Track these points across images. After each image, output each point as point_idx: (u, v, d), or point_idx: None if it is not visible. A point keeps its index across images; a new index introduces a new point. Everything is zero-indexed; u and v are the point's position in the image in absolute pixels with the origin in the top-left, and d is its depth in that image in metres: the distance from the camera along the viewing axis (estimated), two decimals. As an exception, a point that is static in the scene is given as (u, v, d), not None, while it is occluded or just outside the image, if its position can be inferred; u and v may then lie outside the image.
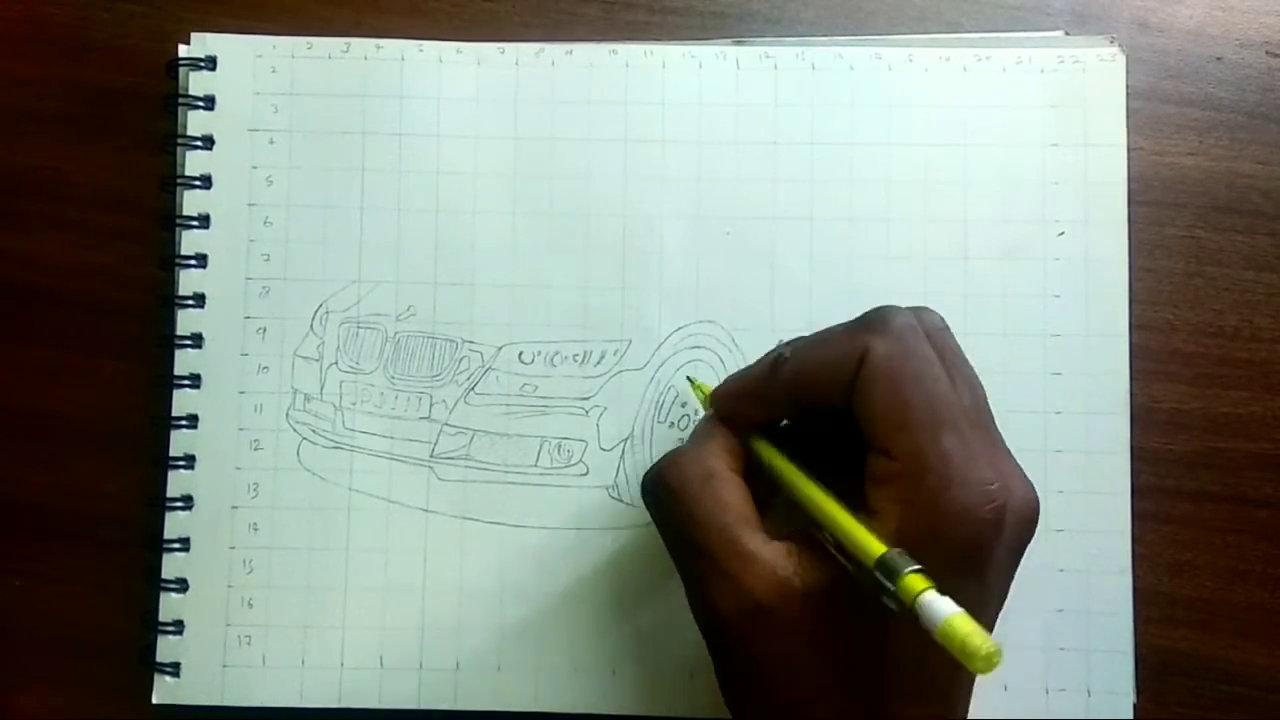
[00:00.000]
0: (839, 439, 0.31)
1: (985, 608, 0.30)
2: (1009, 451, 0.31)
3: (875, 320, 0.31)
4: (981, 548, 0.29)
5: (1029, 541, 0.31)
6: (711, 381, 0.37)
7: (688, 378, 0.39)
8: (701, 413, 0.38)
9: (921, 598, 0.26)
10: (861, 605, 0.28)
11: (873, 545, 0.28)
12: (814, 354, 0.32)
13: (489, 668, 0.39)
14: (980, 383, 0.32)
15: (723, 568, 0.30)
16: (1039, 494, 0.39)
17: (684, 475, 0.31)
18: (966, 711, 0.31)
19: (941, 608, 0.26)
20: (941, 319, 0.33)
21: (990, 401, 0.39)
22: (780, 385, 0.32)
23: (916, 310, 0.32)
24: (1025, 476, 0.31)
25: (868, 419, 0.30)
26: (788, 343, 0.34)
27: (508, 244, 0.40)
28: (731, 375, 0.34)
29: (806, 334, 0.33)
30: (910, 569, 0.27)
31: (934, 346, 0.31)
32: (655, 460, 0.33)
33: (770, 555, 0.29)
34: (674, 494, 0.31)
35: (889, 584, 0.27)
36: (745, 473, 0.32)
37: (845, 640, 0.29)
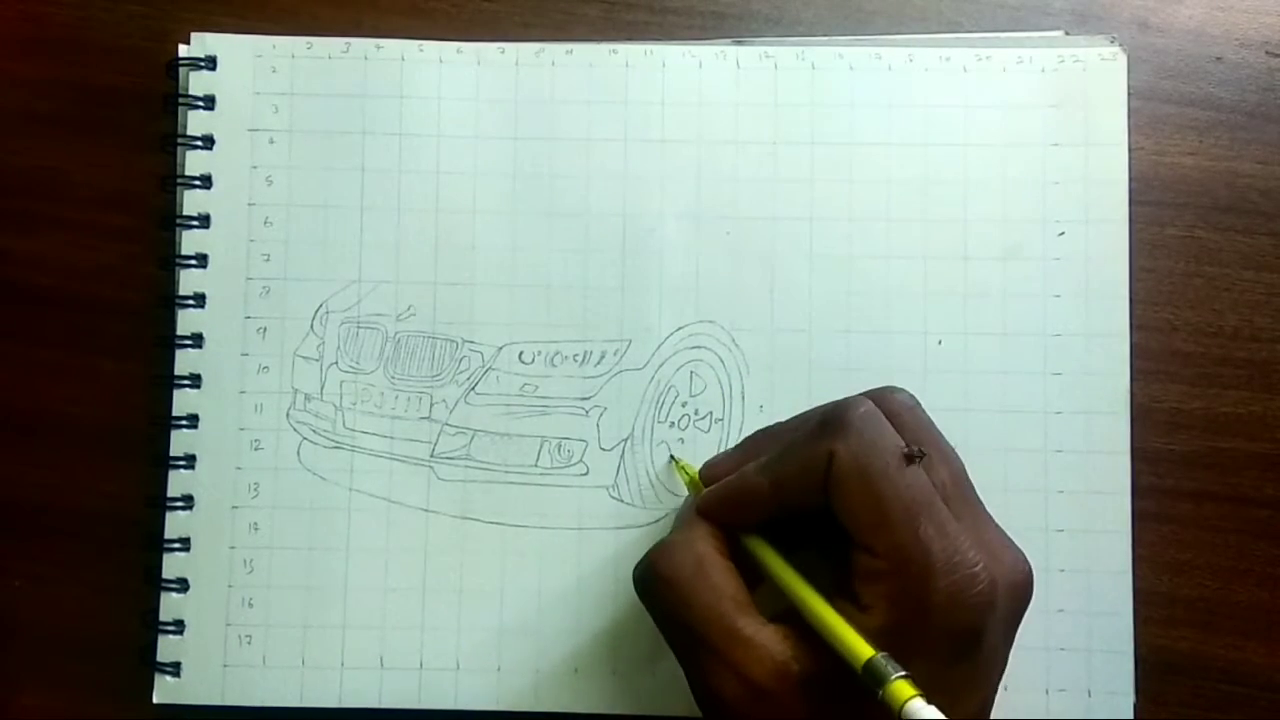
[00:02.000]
0: (828, 525, 0.31)
1: (982, 684, 0.30)
2: (993, 521, 0.32)
3: (834, 421, 0.31)
4: (973, 632, 0.29)
5: (1025, 608, 0.31)
6: (694, 459, 0.38)
7: (671, 457, 0.39)
8: (685, 493, 0.39)
9: (907, 706, 0.27)
10: (860, 690, 0.28)
11: (860, 649, 0.28)
12: (784, 467, 0.32)
13: (489, 668, 0.39)
14: (956, 455, 0.33)
15: (723, 655, 0.30)
16: (1040, 493, 0.39)
17: (675, 564, 0.32)
18: None
19: (925, 716, 0.26)
20: (909, 397, 0.33)
21: (990, 402, 0.39)
22: (762, 498, 0.32)
23: (881, 393, 0.33)
24: (1012, 545, 0.31)
25: (845, 519, 0.30)
26: (757, 435, 0.35)
27: (508, 244, 0.40)
28: (715, 487, 0.34)
29: (778, 420, 0.34)
30: (896, 675, 0.27)
31: (905, 428, 0.32)
32: (643, 554, 0.33)
33: (768, 640, 0.30)
34: (668, 584, 0.32)
35: (875, 690, 0.27)
36: (733, 554, 0.33)
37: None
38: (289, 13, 0.41)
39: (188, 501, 0.39)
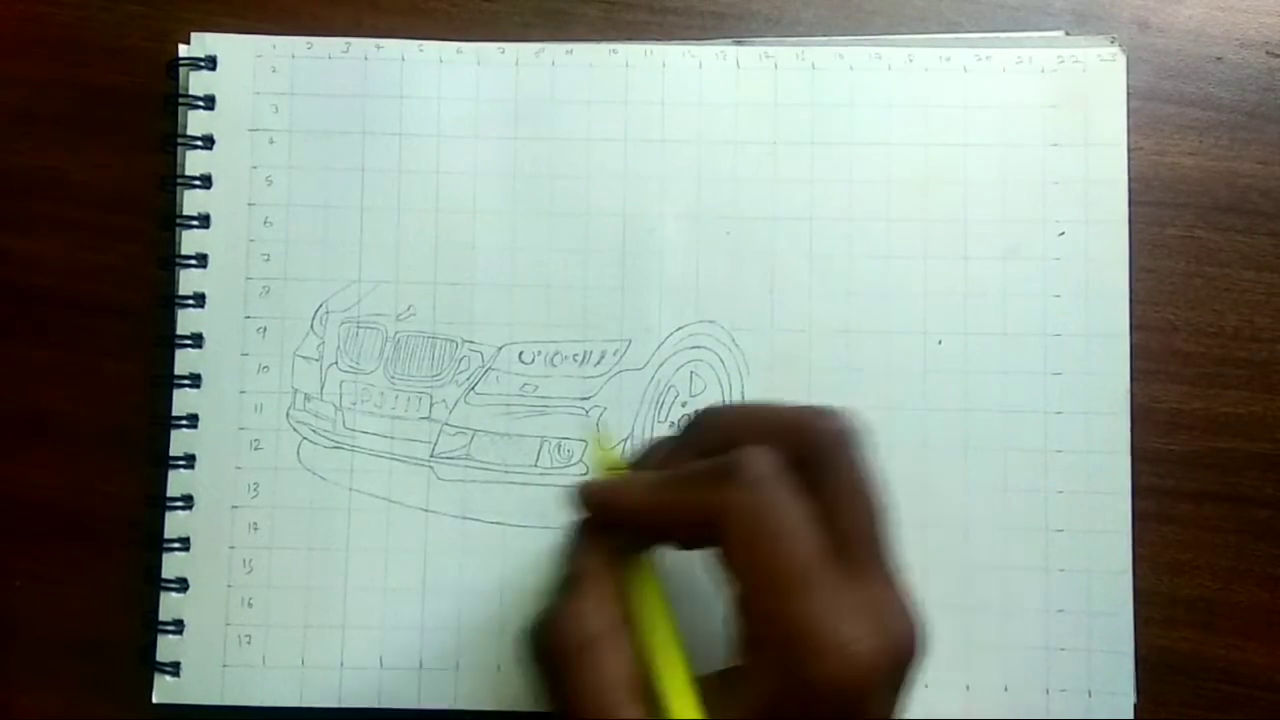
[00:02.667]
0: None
1: None
2: (892, 579, 0.30)
3: (734, 467, 0.29)
4: (850, 710, 0.28)
5: (913, 672, 0.30)
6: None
7: (597, 423, 0.38)
8: (590, 471, 0.37)
9: None
10: None
11: (683, 707, 0.28)
12: (671, 498, 0.30)
13: (489, 668, 0.39)
14: (877, 502, 0.30)
15: None
16: (1040, 493, 0.39)
17: (565, 641, 0.29)
18: None
19: None
20: (839, 426, 0.30)
21: (990, 402, 0.39)
22: (642, 520, 0.30)
23: (810, 420, 0.31)
24: (905, 604, 0.30)
25: (729, 578, 0.29)
26: (652, 448, 0.33)
27: (508, 244, 0.40)
28: (600, 479, 0.32)
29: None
30: None
31: (825, 466, 0.30)
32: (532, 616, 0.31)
33: None
34: (549, 664, 0.29)
35: None
36: (624, 574, 0.31)
37: None
38: (289, 13, 0.41)
39: (187, 501, 0.39)
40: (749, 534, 0.28)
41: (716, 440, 0.31)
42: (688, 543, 0.31)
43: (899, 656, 0.29)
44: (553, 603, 0.30)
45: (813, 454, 0.30)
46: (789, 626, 0.28)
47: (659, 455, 0.33)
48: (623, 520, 0.31)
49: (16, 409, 0.40)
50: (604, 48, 0.41)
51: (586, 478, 0.33)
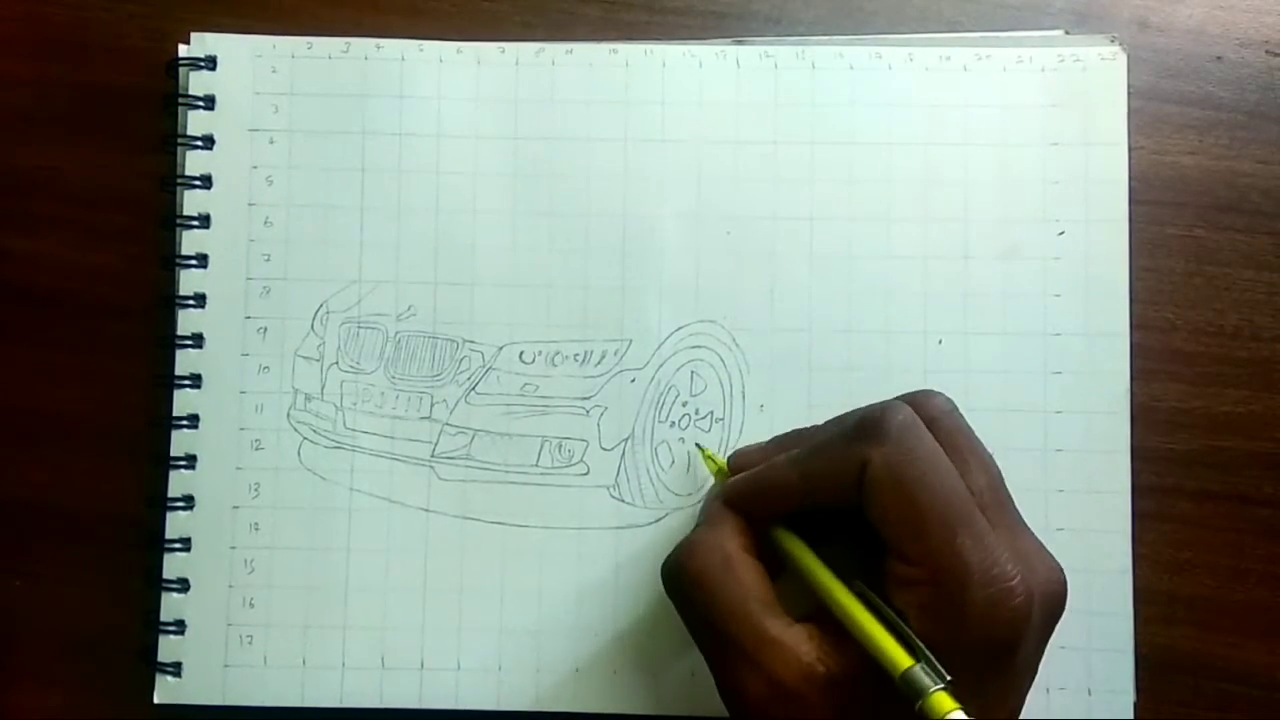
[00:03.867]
0: (857, 521, 0.31)
1: (1013, 695, 0.30)
2: (1028, 530, 0.32)
3: (871, 426, 0.31)
4: (1007, 645, 0.29)
5: (1059, 617, 0.31)
6: (715, 448, 0.39)
7: (697, 444, 0.39)
8: (711, 482, 0.38)
9: (949, 718, 0.27)
10: (887, 690, 0.28)
11: (898, 657, 0.29)
12: (816, 464, 0.32)
13: (489, 668, 0.39)
14: (993, 461, 0.33)
15: (749, 655, 0.30)
16: (1041, 492, 0.39)
17: (704, 562, 0.32)
18: None
19: None
20: (947, 401, 0.33)
21: (991, 401, 0.39)
22: (791, 491, 0.32)
23: (918, 396, 0.33)
24: (1048, 555, 0.31)
25: (881, 526, 0.30)
26: (790, 435, 0.35)
27: (508, 244, 0.40)
28: (743, 475, 0.34)
29: (779, 419, 0.35)
30: (936, 687, 0.28)
31: (942, 433, 0.31)
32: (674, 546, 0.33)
33: (794, 640, 0.30)
34: (695, 582, 0.32)
35: (914, 700, 0.28)
36: (759, 547, 0.33)
37: None
38: (289, 13, 0.41)
39: (188, 501, 0.39)
40: (899, 481, 0.30)
41: (833, 426, 0.33)
42: (828, 499, 0.32)
43: (1049, 600, 0.30)
44: (687, 540, 0.33)
45: (929, 421, 0.32)
46: (947, 562, 0.29)
47: (753, 457, 0.35)
48: (778, 501, 0.33)
49: (16, 409, 0.40)
50: (604, 47, 0.41)
51: (717, 481, 0.37)
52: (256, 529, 0.39)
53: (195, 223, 0.40)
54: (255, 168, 0.40)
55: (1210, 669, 0.39)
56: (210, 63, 0.40)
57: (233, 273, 0.40)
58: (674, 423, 0.39)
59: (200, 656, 0.39)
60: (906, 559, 0.30)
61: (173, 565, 0.39)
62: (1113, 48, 0.40)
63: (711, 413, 0.39)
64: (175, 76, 0.41)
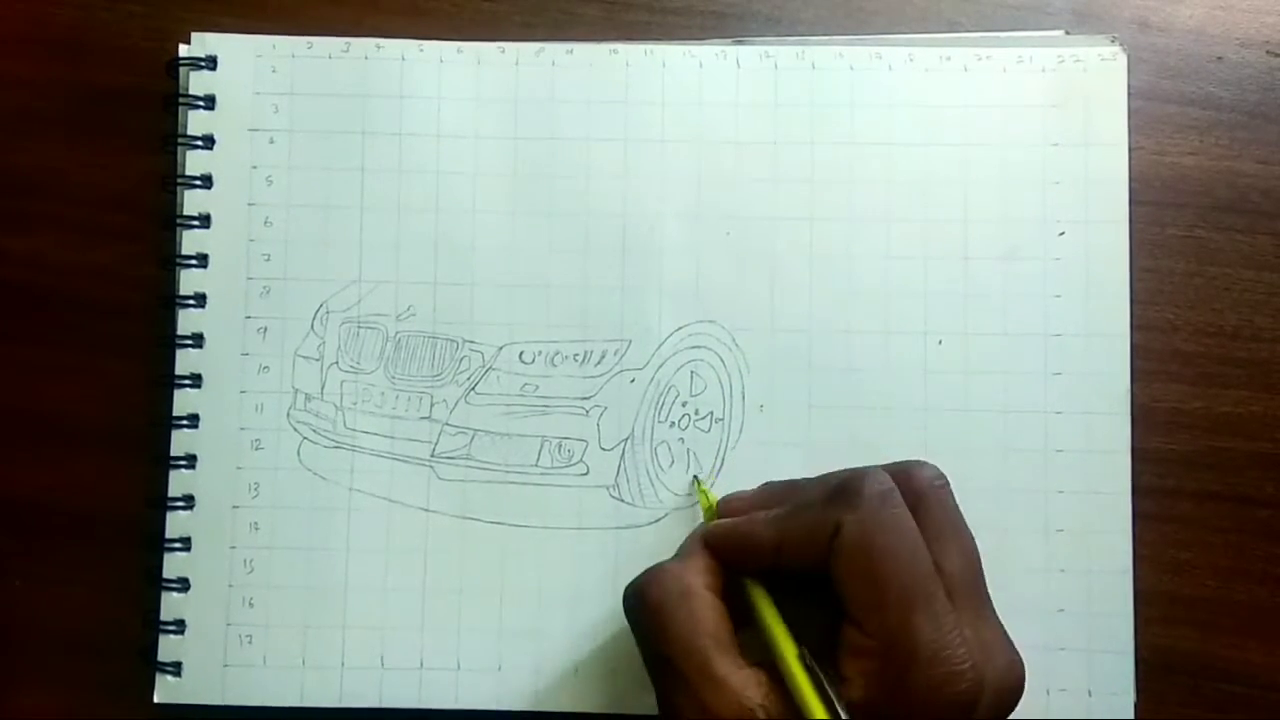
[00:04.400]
0: (827, 586, 0.31)
1: None
2: (995, 620, 0.32)
3: (848, 490, 0.31)
4: (1010, 704, 0.29)
5: (1011, 710, 0.31)
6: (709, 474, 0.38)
7: (695, 477, 0.39)
8: (688, 495, 0.39)
9: None
10: None
11: (814, 708, 0.29)
12: (792, 526, 0.32)
13: (489, 668, 0.39)
14: (973, 543, 0.32)
15: (692, 688, 0.30)
16: (1041, 493, 0.39)
17: (663, 590, 0.32)
18: None
19: None
20: (938, 474, 0.33)
21: (991, 402, 0.39)
22: (764, 549, 0.32)
23: (909, 466, 0.33)
24: (1008, 646, 0.31)
25: (842, 590, 0.30)
26: (782, 485, 0.36)
27: (508, 244, 0.40)
28: (724, 522, 0.34)
29: (790, 478, 0.35)
30: None
31: (925, 508, 0.31)
32: (636, 575, 0.34)
33: (739, 683, 0.30)
34: (651, 609, 0.32)
35: None
36: (724, 592, 0.33)
37: None
38: (289, 13, 0.41)
39: (188, 501, 0.39)
40: (865, 550, 0.30)
41: (816, 486, 0.33)
42: (800, 562, 0.32)
43: (1001, 694, 0.30)
44: (652, 568, 0.33)
45: (914, 494, 0.32)
46: (899, 639, 0.29)
47: (740, 505, 0.36)
48: (752, 557, 0.33)
49: (17, 409, 0.40)
50: (604, 48, 0.41)
51: (705, 523, 0.37)
52: (256, 529, 0.39)
53: (195, 222, 0.40)
54: (255, 167, 0.40)
55: (1211, 670, 0.39)
56: (210, 63, 0.40)
57: (233, 273, 0.40)
58: (674, 423, 0.39)
59: (200, 656, 0.39)
60: (860, 627, 0.30)
61: (173, 565, 0.39)
62: (1113, 48, 0.40)
63: (711, 413, 0.39)
64: (175, 76, 0.41)
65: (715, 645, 0.31)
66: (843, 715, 0.29)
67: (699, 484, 0.39)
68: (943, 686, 0.28)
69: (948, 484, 0.33)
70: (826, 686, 0.30)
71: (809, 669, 0.30)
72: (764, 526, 0.33)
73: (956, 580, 0.31)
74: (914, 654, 0.29)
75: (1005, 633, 0.32)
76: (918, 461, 0.33)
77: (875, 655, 0.29)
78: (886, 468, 0.33)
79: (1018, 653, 0.31)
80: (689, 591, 0.32)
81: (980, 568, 0.32)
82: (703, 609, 0.31)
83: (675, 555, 0.34)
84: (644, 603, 0.32)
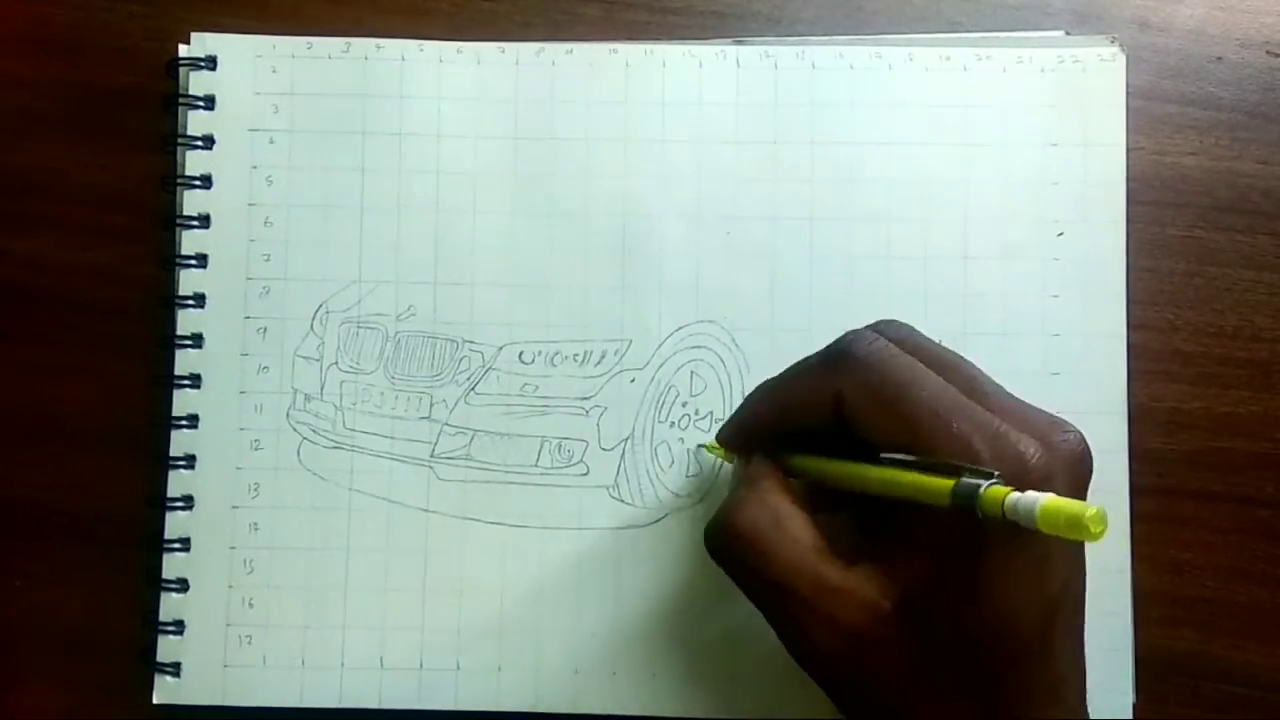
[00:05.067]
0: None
1: (1062, 570, 0.29)
2: (1028, 404, 0.31)
3: (838, 356, 0.31)
4: (1085, 474, 0.29)
5: (1089, 479, 0.30)
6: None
7: (700, 445, 0.39)
8: (727, 468, 0.39)
9: (1008, 500, 0.26)
10: (954, 599, 0.28)
11: (941, 484, 0.27)
12: (788, 397, 0.33)
13: (489, 668, 0.39)
14: (965, 360, 0.32)
15: (813, 605, 0.30)
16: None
17: (754, 521, 0.31)
18: (1084, 703, 0.31)
19: (1030, 500, 0.25)
20: (907, 326, 0.33)
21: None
22: (764, 422, 0.33)
23: (879, 326, 0.33)
24: (1059, 420, 0.30)
25: (877, 444, 0.30)
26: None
27: (508, 244, 0.40)
28: (727, 421, 0.36)
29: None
30: (986, 483, 0.27)
31: (911, 348, 0.31)
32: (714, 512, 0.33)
33: (855, 584, 0.30)
34: (747, 541, 0.31)
35: (973, 507, 0.27)
36: (799, 501, 0.32)
37: (944, 641, 0.29)
38: (289, 12, 0.41)
39: (188, 502, 0.39)
40: (878, 399, 0.30)
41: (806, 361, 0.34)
42: (804, 426, 0.32)
43: (1071, 463, 0.29)
44: (729, 501, 0.32)
45: (897, 342, 0.31)
46: (951, 450, 0.28)
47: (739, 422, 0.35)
48: (761, 427, 0.33)
49: (16, 409, 0.40)
50: (604, 47, 0.41)
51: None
52: (256, 529, 0.39)
53: (195, 223, 0.40)
54: (255, 168, 0.40)
55: (1210, 670, 0.39)
56: (210, 63, 0.40)
57: (232, 273, 0.40)
58: (674, 423, 0.39)
59: (199, 657, 0.39)
60: (936, 447, 0.29)
61: (172, 565, 0.39)
62: (1112, 48, 0.40)
63: (711, 413, 0.39)
64: (175, 76, 0.41)
65: (821, 557, 0.30)
66: (954, 465, 0.28)
67: (706, 446, 0.39)
68: (1016, 477, 0.27)
69: (917, 331, 0.33)
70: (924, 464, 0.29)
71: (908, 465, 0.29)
72: (759, 402, 0.34)
73: (975, 387, 0.30)
74: (973, 457, 0.28)
75: (1046, 411, 0.31)
76: (886, 321, 0.33)
77: (979, 442, 0.28)
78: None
79: (1068, 422, 0.30)
80: (777, 513, 0.31)
81: (984, 373, 0.32)
82: (795, 525, 0.31)
83: (736, 487, 0.34)
84: (737, 537, 0.31)
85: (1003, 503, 0.26)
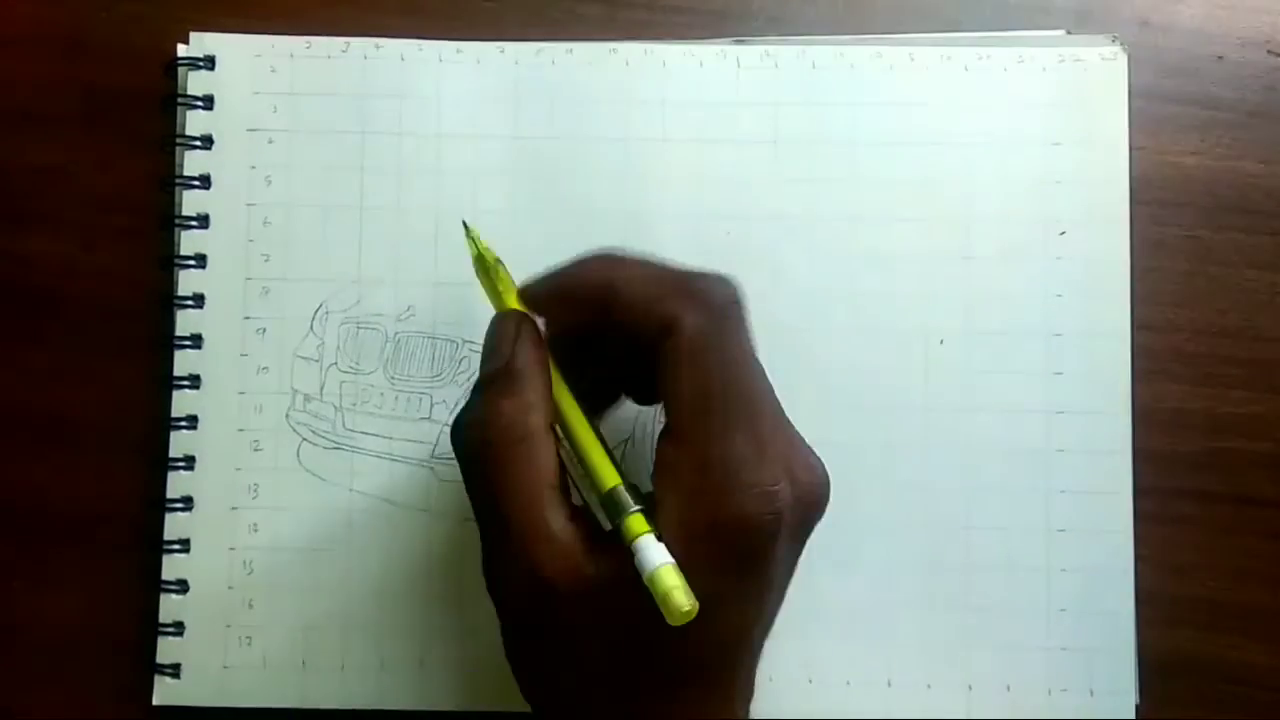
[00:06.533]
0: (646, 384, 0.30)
1: (762, 599, 0.30)
2: (794, 430, 0.31)
3: (696, 289, 0.29)
4: (758, 552, 0.28)
5: (815, 523, 0.31)
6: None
7: (463, 221, 0.36)
8: (469, 259, 0.35)
9: (638, 540, 0.27)
10: (649, 604, 0.27)
11: (608, 475, 0.28)
12: (630, 275, 0.30)
13: (489, 668, 0.38)
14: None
15: (521, 542, 0.29)
16: (1042, 493, 0.39)
17: (503, 432, 0.29)
18: (746, 708, 0.31)
19: (654, 556, 0.27)
20: (740, 295, 0.31)
21: (992, 402, 0.39)
22: (594, 298, 0.30)
23: (717, 281, 0.30)
24: (810, 457, 0.30)
25: (667, 398, 0.29)
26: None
27: (508, 244, 0.40)
28: (544, 274, 0.32)
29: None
30: (633, 510, 0.28)
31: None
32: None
33: (569, 538, 0.29)
34: (489, 451, 0.29)
35: (612, 518, 0.28)
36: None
37: (628, 629, 0.28)
38: (288, 12, 0.41)
39: (187, 503, 0.39)
40: (701, 358, 0.29)
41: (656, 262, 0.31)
42: (629, 334, 0.30)
43: (805, 505, 0.30)
44: (489, 395, 0.30)
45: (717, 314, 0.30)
46: (719, 458, 0.28)
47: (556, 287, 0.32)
48: (578, 306, 0.31)
49: (16, 409, 0.40)
50: (604, 47, 0.41)
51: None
52: (255, 530, 0.39)
53: (194, 223, 0.40)
54: (254, 167, 0.40)
55: (1212, 670, 0.39)
56: (209, 62, 0.40)
57: (231, 273, 0.40)
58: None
59: (199, 658, 0.39)
60: (681, 440, 0.29)
61: (172, 566, 0.39)
62: (1114, 47, 0.40)
63: (712, 413, 0.39)
64: (174, 76, 0.40)
65: (549, 495, 0.29)
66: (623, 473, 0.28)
67: (467, 228, 0.35)
68: (756, 514, 0.28)
69: (745, 304, 0.31)
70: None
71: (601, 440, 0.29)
72: (596, 272, 0.31)
73: (772, 400, 0.30)
74: (735, 475, 0.28)
75: (802, 441, 0.31)
76: (717, 276, 0.31)
77: (692, 471, 0.28)
78: (678, 272, 0.31)
79: (820, 461, 0.31)
80: (528, 434, 0.29)
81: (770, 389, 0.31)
82: (540, 453, 0.29)
83: (491, 365, 0.31)
84: (483, 442, 0.29)
85: (632, 537, 0.27)
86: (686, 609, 0.26)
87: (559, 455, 0.30)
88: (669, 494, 0.29)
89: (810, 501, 0.30)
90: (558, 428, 0.30)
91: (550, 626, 0.29)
